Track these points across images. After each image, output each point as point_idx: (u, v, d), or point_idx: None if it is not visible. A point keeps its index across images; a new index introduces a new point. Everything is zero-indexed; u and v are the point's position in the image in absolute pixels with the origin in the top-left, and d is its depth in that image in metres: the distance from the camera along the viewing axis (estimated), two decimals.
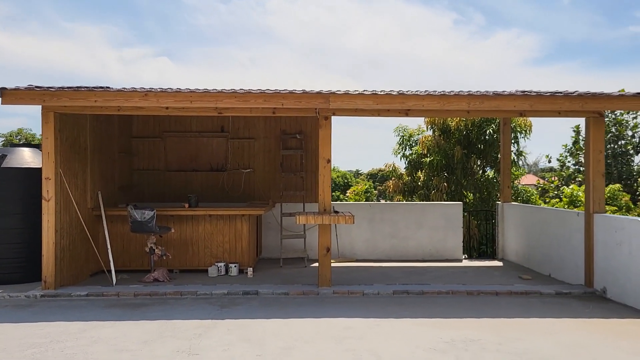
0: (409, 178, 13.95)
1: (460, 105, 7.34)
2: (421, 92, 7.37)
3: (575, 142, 22.06)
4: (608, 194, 12.60)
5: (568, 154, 22.79)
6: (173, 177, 10.97)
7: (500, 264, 10.31)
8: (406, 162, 13.94)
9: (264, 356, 4.94)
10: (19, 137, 33.15)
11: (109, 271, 8.25)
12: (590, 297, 7.37)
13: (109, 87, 7.74)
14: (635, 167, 22.59)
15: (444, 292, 7.51)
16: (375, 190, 25.01)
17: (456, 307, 6.79)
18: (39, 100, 7.23)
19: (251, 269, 8.89)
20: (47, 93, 7.21)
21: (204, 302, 7.03)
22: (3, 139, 32.68)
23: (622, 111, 20.24)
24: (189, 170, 10.98)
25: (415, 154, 13.65)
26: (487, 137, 12.29)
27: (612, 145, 22.20)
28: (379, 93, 7.35)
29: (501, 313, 6.48)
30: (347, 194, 17.12)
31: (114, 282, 7.95)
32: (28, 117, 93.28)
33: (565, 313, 6.49)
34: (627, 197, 13.17)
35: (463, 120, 12.34)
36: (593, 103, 7.33)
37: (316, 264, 10.21)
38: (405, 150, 13.95)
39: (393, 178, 14.18)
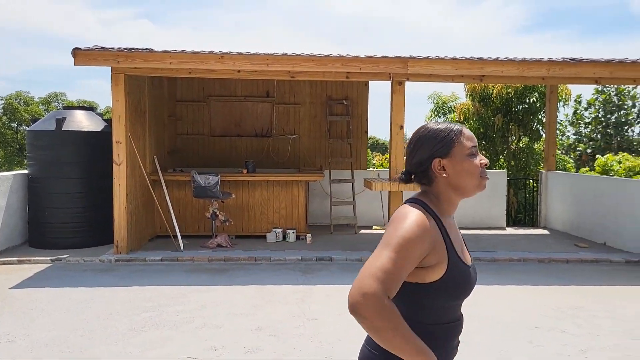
0: None
1: (540, 72, 7.28)
2: (501, 58, 7.28)
3: (576, 112, 22.07)
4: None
5: (568, 124, 22.83)
6: (217, 142, 10.82)
7: (546, 232, 10.41)
8: None
9: None
10: (18, 99, 32.49)
11: (174, 236, 8.17)
12: None
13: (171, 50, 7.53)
14: (636, 137, 22.79)
15: (515, 259, 7.58)
16: None
17: (535, 274, 6.86)
18: (112, 61, 7.02)
19: (310, 235, 8.87)
20: (121, 54, 6.99)
21: (282, 268, 7.01)
22: (3, 102, 32.04)
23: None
24: (233, 136, 10.82)
25: (450, 121, 13.60)
26: (527, 106, 12.26)
27: (614, 115, 22.31)
28: (459, 58, 7.25)
29: (584, 280, 6.56)
30: (374, 161, 17.08)
31: (182, 247, 7.89)
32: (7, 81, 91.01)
33: None
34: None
35: (505, 88, 12.28)
36: None
37: (366, 230, 10.24)
38: (439, 117, 13.88)
39: None
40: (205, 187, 8.21)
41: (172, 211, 8.38)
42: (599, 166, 13.19)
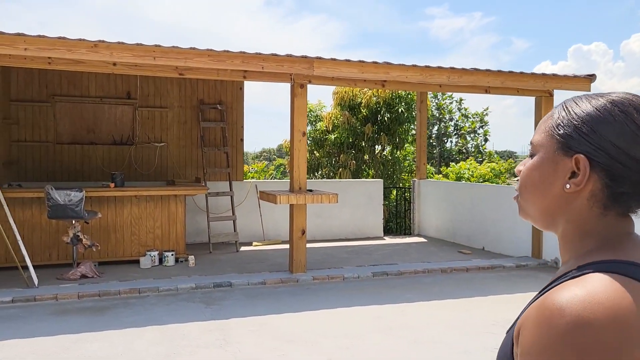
0: (309, 155, 13.55)
1: (440, 79, 7.16)
2: (406, 63, 7.01)
3: None
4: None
5: None
6: (65, 151, 9.08)
7: (423, 240, 10.50)
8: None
9: (333, 358, 4.21)
10: None
11: (24, 267, 6.46)
12: (544, 267, 7.82)
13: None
14: (455, 148, 25.14)
15: (421, 271, 7.34)
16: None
17: (447, 285, 6.66)
18: None
19: (192, 257, 7.74)
20: None
21: (177, 300, 5.87)
22: None
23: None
24: (85, 144, 9.17)
25: (317, 130, 13.28)
26: (395, 115, 12.42)
27: (435, 127, 24.34)
28: (366, 61, 6.82)
29: (498, 290, 6.50)
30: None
31: (37, 283, 6.25)
32: None
33: None
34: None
35: (374, 97, 12.29)
36: (553, 82, 7.71)
37: (246, 247, 9.34)
38: (307, 126, 13.49)
39: None
40: (65, 206, 6.67)
41: (18, 236, 6.66)
42: (453, 173, 13.90)
